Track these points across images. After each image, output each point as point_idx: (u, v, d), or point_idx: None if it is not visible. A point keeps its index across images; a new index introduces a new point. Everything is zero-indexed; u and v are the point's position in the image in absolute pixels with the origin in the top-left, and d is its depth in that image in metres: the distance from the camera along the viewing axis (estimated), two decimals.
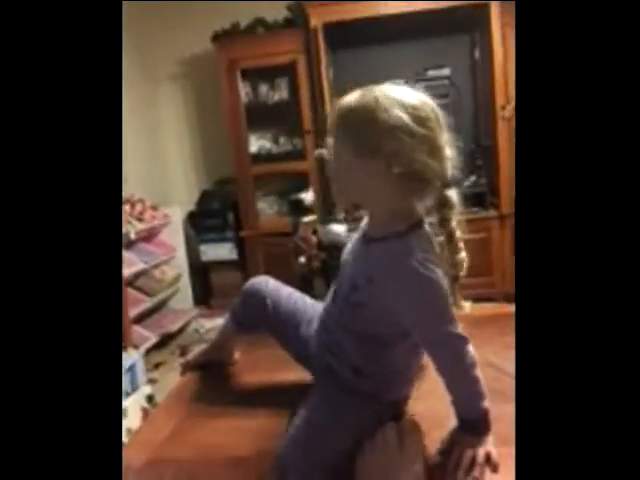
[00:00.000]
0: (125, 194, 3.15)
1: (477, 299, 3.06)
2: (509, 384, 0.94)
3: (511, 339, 1.10)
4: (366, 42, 3.29)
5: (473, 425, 0.75)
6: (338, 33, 3.13)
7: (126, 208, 2.88)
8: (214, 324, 3.30)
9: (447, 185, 0.77)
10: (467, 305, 0.84)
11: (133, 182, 3.31)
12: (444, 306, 0.75)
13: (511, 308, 1.64)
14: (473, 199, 3.16)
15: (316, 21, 3.15)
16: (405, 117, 0.71)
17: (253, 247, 3.48)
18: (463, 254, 0.80)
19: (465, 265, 0.80)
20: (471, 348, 0.77)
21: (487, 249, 3.14)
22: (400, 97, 0.74)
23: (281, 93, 3.44)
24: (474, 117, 3.36)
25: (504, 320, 1.25)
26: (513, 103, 3.14)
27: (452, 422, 0.80)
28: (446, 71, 3.14)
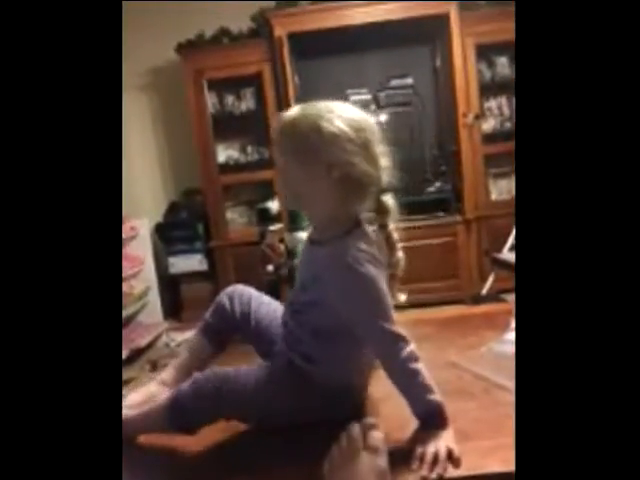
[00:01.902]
0: None
1: (444, 302, 3.14)
2: (471, 382, 0.97)
3: (473, 339, 1.14)
4: (331, 52, 3.34)
5: (428, 419, 0.78)
6: (303, 43, 3.18)
7: None
8: (185, 337, 3.26)
9: (383, 191, 0.86)
10: (403, 297, 0.91)
11: None
12: (377, 302, 0.80)
13: (475, 310, 1.68)
14: (438, 204, 3.23)
15: (280, 31, 3.18)
16: (345, 127, 0.80)
17: (223, 257, 3.47)
18: (400, 254, 0.87)
19: (402, 264, 0.88)
20: (409, 345, 0.80)
21: (453, 253, 3.21)
22: (340, 110, 0.83)
23: (247, 103, 3.46)
24: (437, 124, 3.45)
25: (466, 322, 1.29)
26: (474, 112, 3.23)
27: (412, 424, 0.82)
28: (409, 80, 3.21)
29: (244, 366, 0.91)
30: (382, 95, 3.20)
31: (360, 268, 0.79)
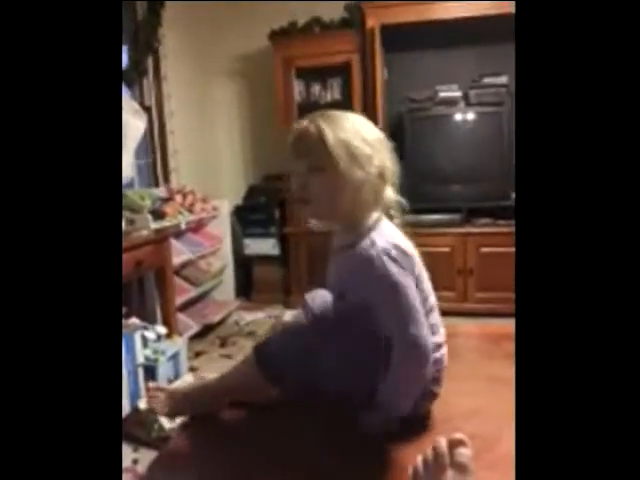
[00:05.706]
0: (176, 184, 3.26)
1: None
2: None
3: None
4: (422, 46, 3.27)
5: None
6: (394, 35, 3.13)
7: (178, 198, 2.96)
8: (254, 317, 3.37)
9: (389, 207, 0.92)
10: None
11: (185, 173, 3.41)
12: (405, 304, 0.82)
13: None
14: None
15: (373, 22, 3.15)
16: (361, 141, 0.85)
17: (296, 244, 3.52)
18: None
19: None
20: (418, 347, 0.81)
21: None
22: (365, 127, 0.89)
23: (333, 93, 3.47)
24: None
25: None
26: None
27: (503, 444, 0.78)
28: (503, 79, 3.08)
29: None
30: (473, 93, 3.09)
31: (386, 265, 0.81)
